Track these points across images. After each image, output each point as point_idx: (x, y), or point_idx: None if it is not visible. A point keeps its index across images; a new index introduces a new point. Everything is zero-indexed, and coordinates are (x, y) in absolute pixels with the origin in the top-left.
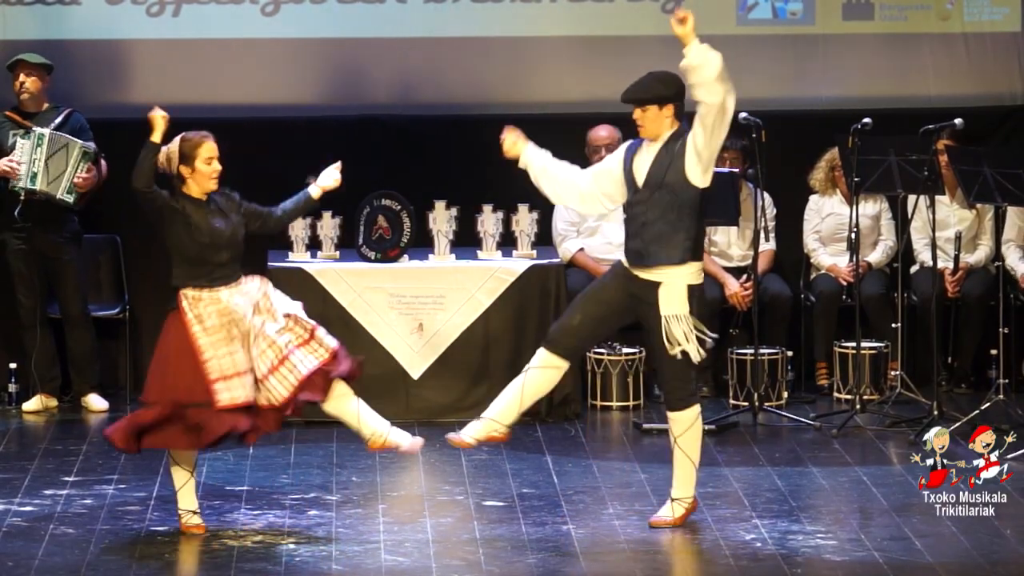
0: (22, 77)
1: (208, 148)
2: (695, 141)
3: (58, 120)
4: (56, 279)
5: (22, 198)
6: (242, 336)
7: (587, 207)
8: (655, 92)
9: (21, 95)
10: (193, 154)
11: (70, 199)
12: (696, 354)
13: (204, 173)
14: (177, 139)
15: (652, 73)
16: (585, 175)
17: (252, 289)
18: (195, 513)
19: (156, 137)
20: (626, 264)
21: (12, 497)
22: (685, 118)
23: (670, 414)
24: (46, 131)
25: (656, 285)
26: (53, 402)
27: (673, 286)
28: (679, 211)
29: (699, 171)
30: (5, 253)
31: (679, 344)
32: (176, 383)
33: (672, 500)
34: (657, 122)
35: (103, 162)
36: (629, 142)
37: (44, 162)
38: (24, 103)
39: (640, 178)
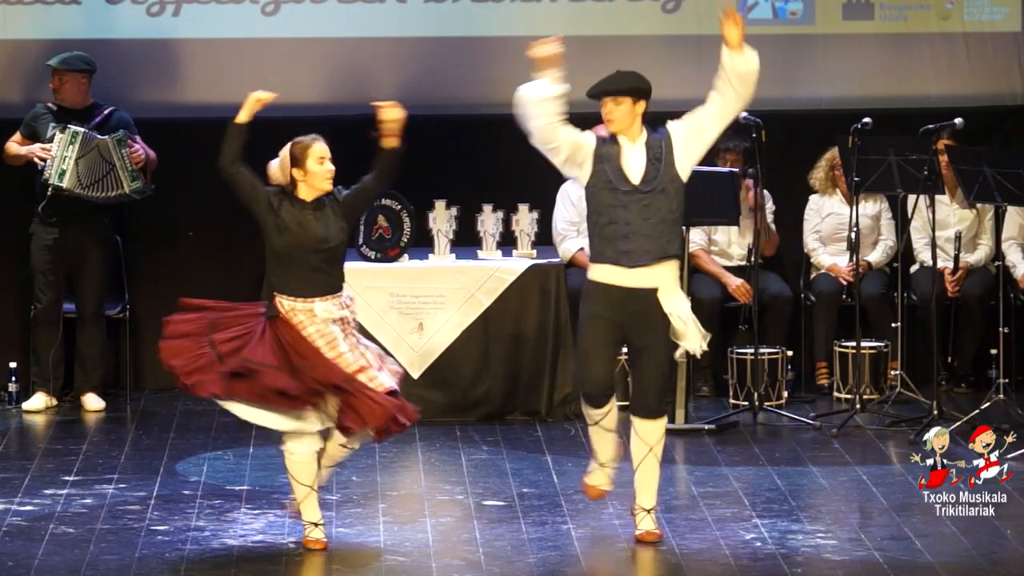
0: (55, 82)
1: (319, 148)
2: (708, 138)
3: (98, 119)
4: (78, 276)
5: (49, 194)
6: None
7: (554, 153)
8: (632, 84)
9: (57, 96)
10: (304, 155)
11: (139, 185)
12: (699, 349)
13: (317, 173)
14: (287, 146)
15: (622, 71)
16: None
17: (347, 301)
18: (317, 526)
19: (241, 117)
20: (615, 269)
21: (12, 497)
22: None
23: (653, 423)
24: (81, 129)
25: (654, 290)
26: (54, 401)
27: (671, 284)
28: (672, 212)
29: (690, 168)
30: (32, 246)
31: (685, 339)
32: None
33: (649, 511)
34: (630, 116)
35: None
36: (594, 135)
37: (74, 161)
38: (63, 102)
39: (634, 177)
